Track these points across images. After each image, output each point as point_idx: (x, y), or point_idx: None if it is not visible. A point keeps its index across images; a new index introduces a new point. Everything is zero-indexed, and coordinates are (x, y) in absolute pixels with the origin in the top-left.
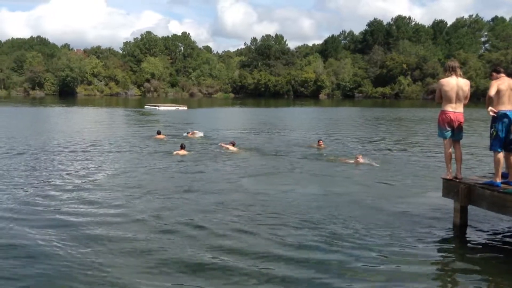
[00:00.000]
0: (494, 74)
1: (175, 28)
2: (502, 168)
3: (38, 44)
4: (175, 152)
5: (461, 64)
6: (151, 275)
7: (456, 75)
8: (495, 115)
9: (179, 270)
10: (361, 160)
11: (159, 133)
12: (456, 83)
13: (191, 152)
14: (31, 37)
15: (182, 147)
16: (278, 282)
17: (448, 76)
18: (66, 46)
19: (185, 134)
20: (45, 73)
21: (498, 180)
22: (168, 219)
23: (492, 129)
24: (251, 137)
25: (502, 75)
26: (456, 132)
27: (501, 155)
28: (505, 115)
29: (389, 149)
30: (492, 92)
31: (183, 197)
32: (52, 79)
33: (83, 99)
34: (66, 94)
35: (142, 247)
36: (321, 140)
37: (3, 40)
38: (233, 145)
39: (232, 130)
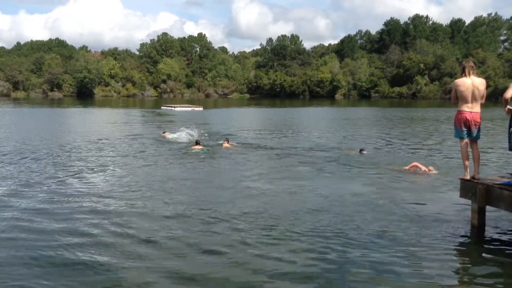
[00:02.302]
0: None
1: (190, 29)
2: None
3: (57, 46)
4: (192, 147)
5: (479, 63)
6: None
7: (469, 74)
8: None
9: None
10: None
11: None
12: (471, 83)
13: (206, 147)
14: (50, 39)
15: (197, 142)
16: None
17: (463, 77)
18: (83, 48)
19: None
20: (64, 75)
21: None
22: (171, 225)
23: (511, 128)
24: (269, 137)
25: None
26: (473, 132)
27: None
28: None
29: (406, 149)
30: (508, 94)
31: (193, 194)
32: (70, 80)
33: (100, 100)
34: (83, 95)
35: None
36: (363, 150)
37: (22, 42)
38: (227, 141)
39: (247, 130)
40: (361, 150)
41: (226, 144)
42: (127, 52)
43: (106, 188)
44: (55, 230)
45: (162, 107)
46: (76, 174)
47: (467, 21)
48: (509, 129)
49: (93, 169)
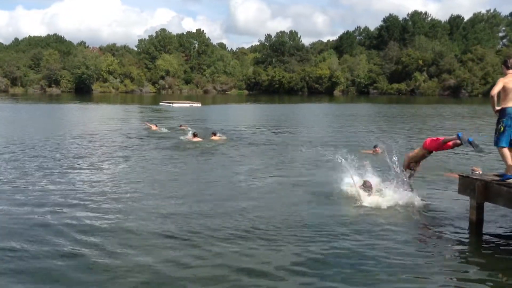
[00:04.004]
0: (504, 68)
1: (188, 25)
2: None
3: (55, 41)
4: (187, 139)
5: (478, 60)
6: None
7: None
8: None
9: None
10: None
11: (214, 134)
12: None
13: (203, 139)
14: (48, 35)
15: (195, 134)
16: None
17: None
18: (82, 43)
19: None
20: (62, 71)
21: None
22: (166, 223)
23: (500, 125)
24: (267, 133)
25: (511, 71)
26: None
27: (506, 150)
28: None
29: (406, 145)
30: (494, 91)
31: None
32: (68, 76)
33: (98, 96)
34: (82, 91)
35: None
36: (377, 146)
37: (20, 38)
38: (215, 134)
39: (244, 127)
40: (375, 146)
41: (213, 137)
42: (125, 48)
43: (89, 184)
44: (30, 233)
45: (160, 103)
46: (67, 170)
47: (466, 18)
48: (497, 126)
49: (79, 166)
